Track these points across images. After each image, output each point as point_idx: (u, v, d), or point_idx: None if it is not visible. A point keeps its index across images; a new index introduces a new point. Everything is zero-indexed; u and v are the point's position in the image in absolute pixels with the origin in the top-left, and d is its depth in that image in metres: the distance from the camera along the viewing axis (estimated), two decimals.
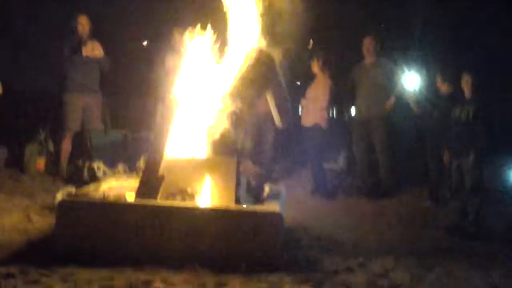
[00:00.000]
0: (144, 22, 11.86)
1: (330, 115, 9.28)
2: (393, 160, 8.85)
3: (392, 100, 8.67)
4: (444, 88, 8.09)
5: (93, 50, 8.94)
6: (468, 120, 6.87)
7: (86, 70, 8.99)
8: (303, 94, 9.00)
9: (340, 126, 9.54)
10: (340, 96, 9.18)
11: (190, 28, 6.01)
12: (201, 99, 5.77)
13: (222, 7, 5.91)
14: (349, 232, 6.33)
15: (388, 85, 8.74)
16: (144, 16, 11.87)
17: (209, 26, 5.92)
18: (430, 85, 8.37)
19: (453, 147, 7.16)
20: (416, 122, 8.93)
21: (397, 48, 9.36)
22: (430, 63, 8.89)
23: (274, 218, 4.73)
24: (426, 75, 8.54)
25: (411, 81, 8.41)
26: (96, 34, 9.15)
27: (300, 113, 9.19)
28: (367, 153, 9.01)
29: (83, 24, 9.04)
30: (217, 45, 5.90)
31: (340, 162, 10.76)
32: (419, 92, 8.36)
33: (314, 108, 8.70)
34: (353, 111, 9.31)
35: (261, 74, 5.78)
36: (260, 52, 5.78)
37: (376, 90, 8.81)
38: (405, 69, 8.54)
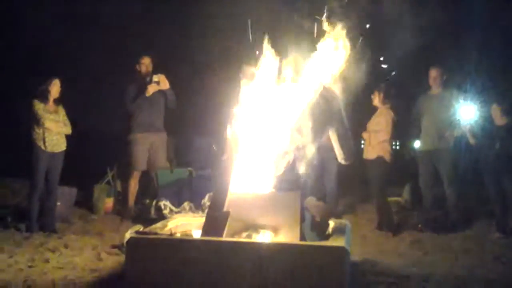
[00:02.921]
0: (210, 58, 12.07)
1: (393, 147, 9.18)
2: (461, 192, 8.68)
3: (455, 131, 8.55)
4: (499, 119, 8.02)
5: (159, 83, 9.16)
6: None
7: (151, 110, 9.23)
8: (364, 127, 8.95)
9: (404, 158, 9.41)
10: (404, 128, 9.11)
11: (259, 63, 6.13)
12: (265, 134, 5.84)
13: (291, 44, 6.00)
14: (416, 267, 6.23)
15: (454, 116, 8.61)
16: (212, 53, 12.10)
17: (277, 61, 6.02)
18: (487, 117, 8.27)
19: None
20: (472, 154, 8.76)
21: (453, 79, 9.22)
22: (486, 95, 8.76)
23: (339, 253, 4.71)
24: (482, 107, 8.43)
25: (467, 112, 8.32)
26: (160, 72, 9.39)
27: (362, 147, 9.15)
28: (433, 186, 8.87)
29: (146, 64, 9.33)
30: (284, 80, 5.98)
31: (405, 195, 10.63)
32: (476, 124, 8.27)
33: (376, 141, 8.63)
34: (418, 143, 9.19)
35: (325, 111, 5.82)
36: (324, 88, 5.84)
37: (443, 122, 8.69)
38: (462, 100, 8.46)
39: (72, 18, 12.75)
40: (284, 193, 5.55)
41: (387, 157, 8.52)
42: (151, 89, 9.10)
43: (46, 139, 7.88)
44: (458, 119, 8.46)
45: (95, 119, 12.38)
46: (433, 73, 8.86)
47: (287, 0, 6.41)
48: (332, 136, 6.18)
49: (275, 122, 5.85)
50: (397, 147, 11.03)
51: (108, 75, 11.86)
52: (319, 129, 5.85)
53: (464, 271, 6.07)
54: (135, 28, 12.67)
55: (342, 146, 6.17)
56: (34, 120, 7.88)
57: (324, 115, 5.82)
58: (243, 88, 7.32)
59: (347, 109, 6.21)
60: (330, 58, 5.87)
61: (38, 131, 7.87)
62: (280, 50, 6.09)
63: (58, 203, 8.37)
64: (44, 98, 7.99)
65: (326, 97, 5.83)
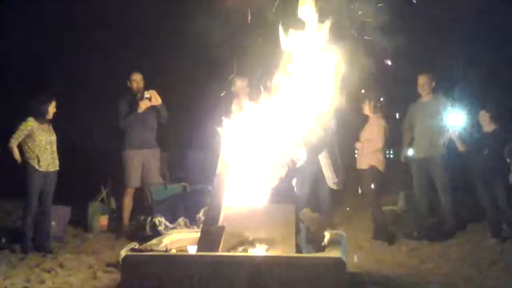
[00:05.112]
0: (204, 73, 12.04)
1: (387, 156, 9.19)
2: (455, 199, 8.70)
3: (445, 138, 8.56)
4: (488, 126, 8.07)
5: (151, 99, 9.14)
6: None
7: (143, 126, 9.20)
8: (357, 137, 8.96)
9: (398, 167, 9.42)
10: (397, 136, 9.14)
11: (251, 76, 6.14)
12: (259, 147, 5.84)
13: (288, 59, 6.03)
14: (413, 276, 6.24)
15: (444, 123, 8.63)
16: (202, 67, 12.07)
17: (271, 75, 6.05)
18: (475, 124, 8.32)
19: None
20: (462, 160, 8.78)
21: (442, 86, 9.24)
22: (474, 101, 8.81)
23: (336, 265, 4.69)
24: (470, 113, 8.47)
25: (456, 119, 8.36)
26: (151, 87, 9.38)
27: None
28: (427, 193, 8.88)
29: (138, 80, 9.29)
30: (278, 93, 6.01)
31: (400, 203, 10.63)
32: (464, 131, 8.32)
33: (369, 150, 8.64)
34: (411, 150, 9.20)
35: (320, 138, 5.90)
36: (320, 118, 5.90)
37: (435, 128, 8.71)
38: (450, 107, 8.50)
39: (66, 33, 12.73)
40: (278, 205, 5.54)
41: (380, 166, 8.53)
42: (143, 105, 9.09)
43: (41, 159, 7.84)
44: (447, 126, 8.49)
45: (88, 136, 12.34)
46: (421, 80, 8.91)
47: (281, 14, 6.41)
48: (323, 162, 6.28)
49: (269, 135, 5.86)
50: (391, 156, 11.06)
51: (101, 92, 11.83)
52: (312, 151, 5.94)
53: (462, 279, 6.08)
54: (126, 44, 12.67)
55: (333, 172, 6.28)
56: (29, 139, 7.83)
57: (317, 142, 5.91)
58: (235, 101, 7.33)
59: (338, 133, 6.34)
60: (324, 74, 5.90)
61: (33, 150, 7.82)
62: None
63: (53, 223, 8.31)
64: (41, 116, 7.97)
65: (322, 125, 5.92)
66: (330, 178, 6.41)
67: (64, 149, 8.30)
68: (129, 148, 9.16)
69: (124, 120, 9.12)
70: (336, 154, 6.37)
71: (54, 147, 8.06)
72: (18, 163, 7.79)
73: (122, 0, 11.61)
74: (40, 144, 7.86)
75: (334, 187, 6.50)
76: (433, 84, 8.89)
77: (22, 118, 7.90)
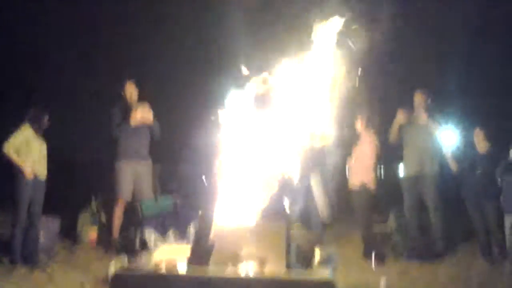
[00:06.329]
0: (192, 86, 12.05)
1: (378, 174, 9.18)
2: (446, 219, 8.68)
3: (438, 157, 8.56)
4: (482, 144, 8.05)
5: (143, 116, 9.09)
6: None
7: (136, 138, 9.14)
8: (349, 154, 8.94)
9: (388, 185, 9.40)
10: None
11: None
12: (251, 164, 5.82)
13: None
14: None
15: (437, 142, 8.62)
16: (192, 83, 12.09)
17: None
18: (469, 142, 8.31)
19: (504, 204, 7.06)
20: (455, 180, 8.78)
21: (437, 103, 9.25)
22: (469, 119, 8.82)
23: (326, 285, 4.68)
24: (465, 131, 8.48)
25: (449, 138, 8.36)
26: (143, 99, 9.35)
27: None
28: (418, 213, 8.85)
29: (131, 91, 9.26)
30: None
31: (390, 222, 10.61)
32: (458, 150, 8.31)
33: (361, 167, 8.64)
34: (402, 169, 9.18)
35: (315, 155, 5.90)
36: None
37: (428, 147, 8.70)
38: (444, 125, 8.50)
39: (59, 43, 12.73)
40: (269, 223, 5.53)
41: (371, 184, 8.53)
42: (133, 121, 9.02)
43: (34, 167, 7.79)
44: (440, 145, 8.49)
45: (78, 147, 12.31)
46: (418, 97, 8.87)
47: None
48: (315, 186, 6.26)
49: (262, 151, 5.85)
50: (382, 174, 11.06)
51: (93, 102, 11.83)
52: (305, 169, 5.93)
53: None
54: (119, 52, 12.68)
55: (323, 205, 6.29)
56: (24, 147, 7.76)
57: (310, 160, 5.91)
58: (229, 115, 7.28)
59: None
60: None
61: (26, 158, 7.76)
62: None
63: (41, 233, 8.24)
64: (37, 125, 7.93)
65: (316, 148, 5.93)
66: (321, 207, 6.43)
67: (54, 159, 8.24)
68: (121, 158, 9.10)
69: (118, 129, 9.06)
70: (329, 173, 6.38)
71: (45, 156, 8.03)
72: (20, 166, 7.70)
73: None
74: (34, 153, 7.81)
75: (324, 220, 6.52)
76: (429, 101, 8.86)
77: (17, 124, 7.86)
